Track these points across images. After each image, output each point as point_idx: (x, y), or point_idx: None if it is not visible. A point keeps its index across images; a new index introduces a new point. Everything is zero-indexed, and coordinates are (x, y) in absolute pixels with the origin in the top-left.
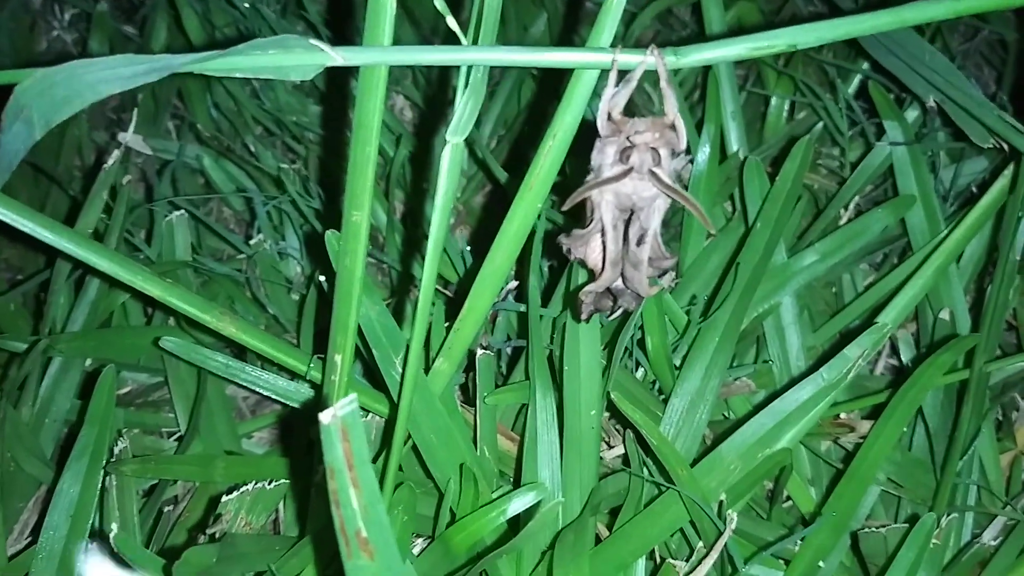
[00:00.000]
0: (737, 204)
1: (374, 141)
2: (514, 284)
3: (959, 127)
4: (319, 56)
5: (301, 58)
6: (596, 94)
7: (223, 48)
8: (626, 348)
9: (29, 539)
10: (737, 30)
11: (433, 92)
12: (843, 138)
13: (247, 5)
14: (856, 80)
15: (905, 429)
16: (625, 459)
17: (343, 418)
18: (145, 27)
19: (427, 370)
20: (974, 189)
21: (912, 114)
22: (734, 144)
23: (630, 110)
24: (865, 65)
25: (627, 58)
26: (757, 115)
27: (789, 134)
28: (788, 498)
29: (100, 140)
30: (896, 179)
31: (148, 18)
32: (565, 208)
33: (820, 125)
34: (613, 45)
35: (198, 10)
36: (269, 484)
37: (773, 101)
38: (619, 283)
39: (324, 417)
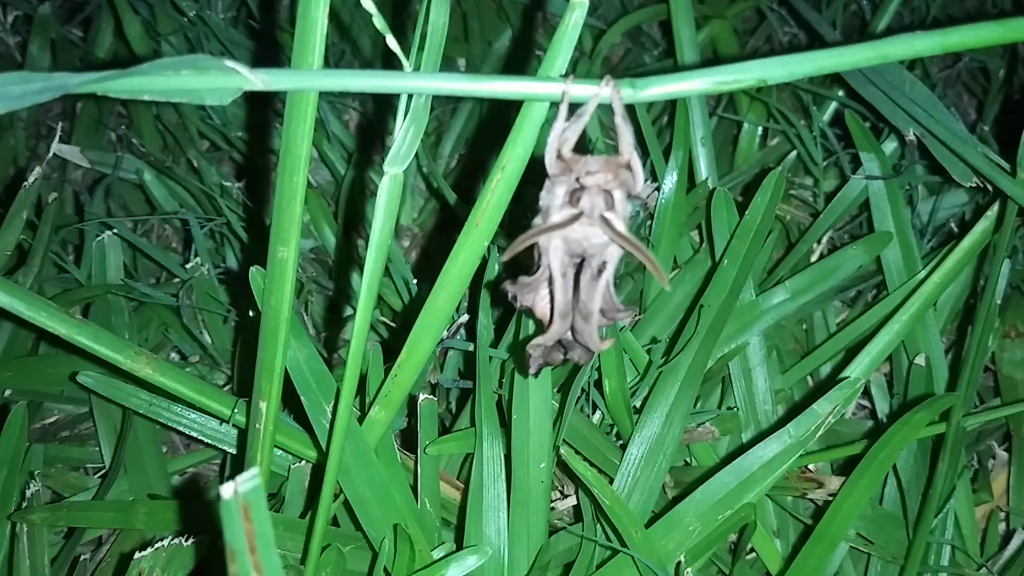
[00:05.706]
0: (705, 235)
1: (302, 171)
2: (466, 318)
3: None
4: (236, 79)
5: (216, 80)
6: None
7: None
8: (582, 390)
9: None
10: (710, 52)
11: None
12: (817, 168)
13: (193, 13)
14: (832, 107)
15: None
16: (579, 509)
17: (245, 495)
18: (89, 32)
19: (362, 419)
20: (953, 226)
21: (890, 146)
22: (703, 171)
23: (582, 146)
24: (841, 92)
25: (579, 90)
26: (729, 140)
27: (761, 161)
28: (752, 550)
29: (40, 150)
30: (872, 214)
31: (92, 23)
32: (505, 257)
33: (793, 154)
34: (577, 66)
35: (143, 14)
36: (186, 540)
37: (745, 127)
38: (569, 335)
39: (225, 491)
